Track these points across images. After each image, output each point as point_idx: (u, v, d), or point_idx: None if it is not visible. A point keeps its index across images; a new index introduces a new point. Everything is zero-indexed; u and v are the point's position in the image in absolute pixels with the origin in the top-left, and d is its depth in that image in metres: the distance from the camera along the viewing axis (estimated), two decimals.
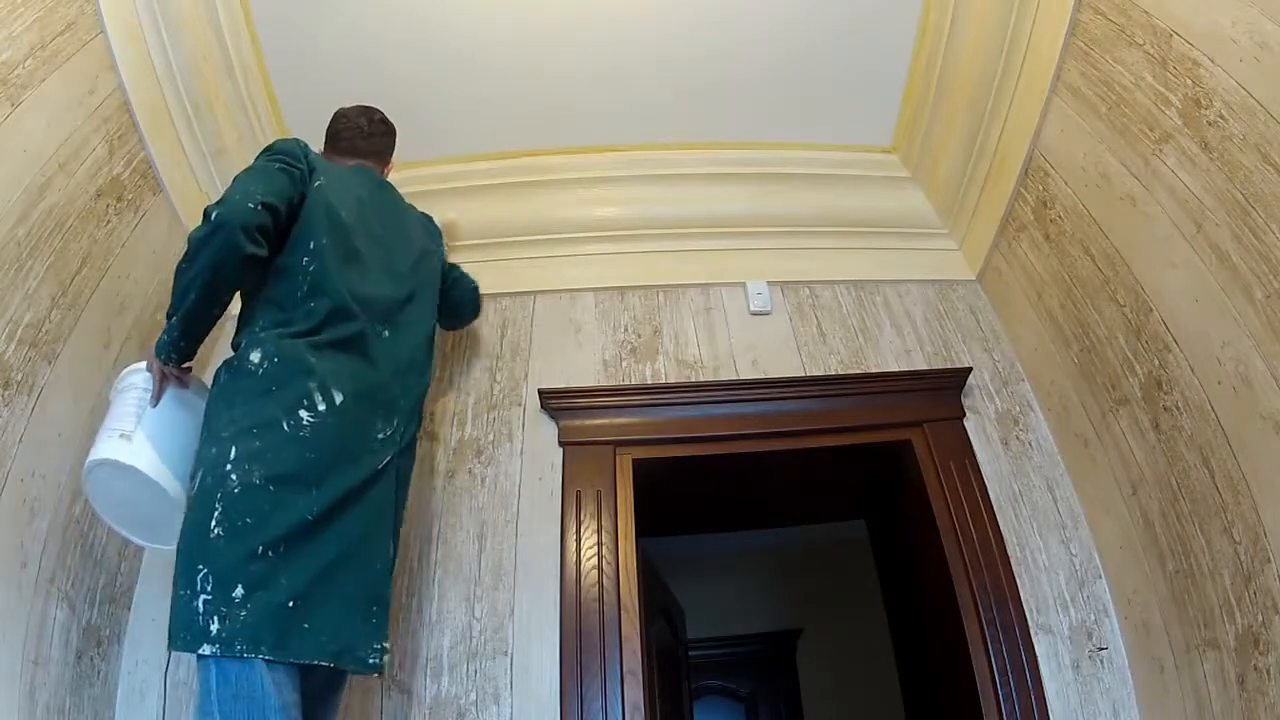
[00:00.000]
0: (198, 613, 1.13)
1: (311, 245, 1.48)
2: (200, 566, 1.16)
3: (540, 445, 2.11)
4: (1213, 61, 1.50)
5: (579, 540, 1.94)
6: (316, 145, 1.99)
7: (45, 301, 1.64)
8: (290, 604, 1.17)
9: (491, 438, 2.13)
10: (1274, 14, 1.37)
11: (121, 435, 1.39)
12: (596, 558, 1.91)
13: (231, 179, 1.48)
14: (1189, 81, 1.56)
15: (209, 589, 1.14)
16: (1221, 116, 1.49)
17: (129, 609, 1.88)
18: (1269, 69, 1.38)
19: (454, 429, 2.15)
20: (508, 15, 2.18)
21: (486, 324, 2.36)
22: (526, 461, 2.08)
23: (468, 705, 1.75)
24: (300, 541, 1.22)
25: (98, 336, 1.82)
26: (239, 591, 1.14)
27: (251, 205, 1.37)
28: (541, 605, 1.86)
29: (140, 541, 1.53)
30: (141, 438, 1.39)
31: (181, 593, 1.17)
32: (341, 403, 1.35)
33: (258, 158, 1.58)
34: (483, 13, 2.18)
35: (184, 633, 1.15)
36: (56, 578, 1.62)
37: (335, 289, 1.45)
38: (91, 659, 1.71)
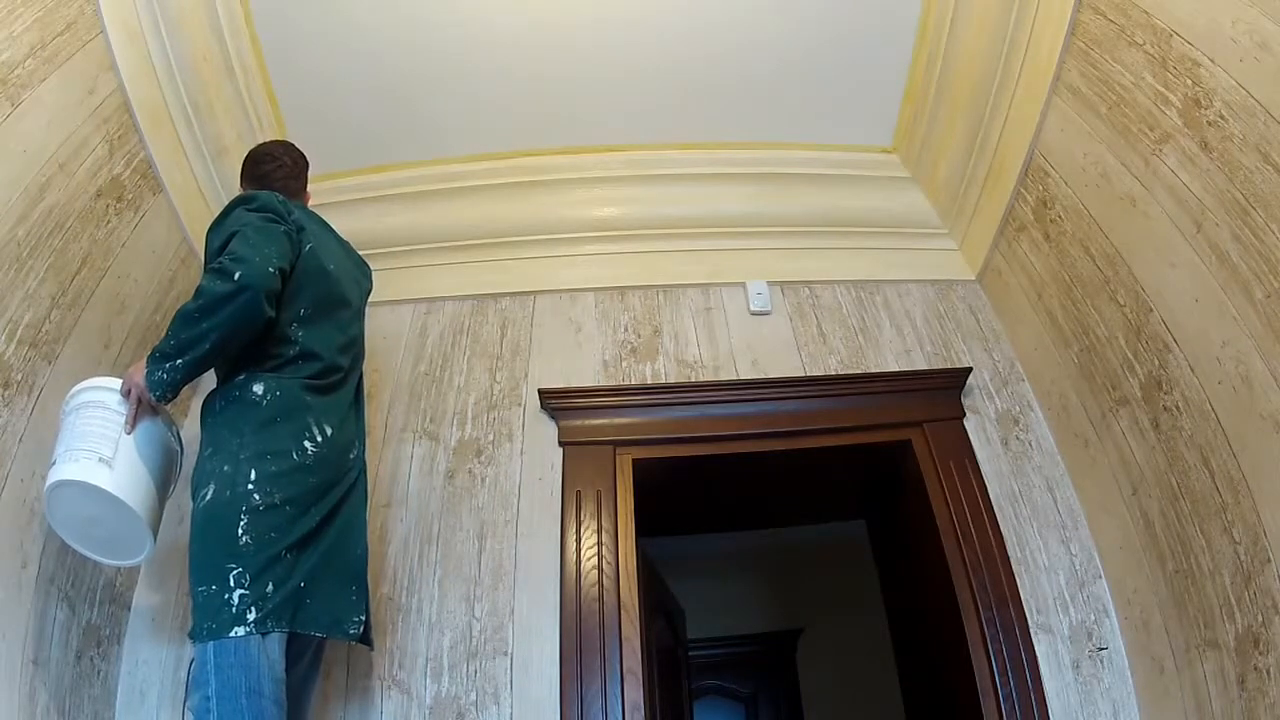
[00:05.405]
0: (231, 604, 1.32)
1: (301, 312, 1.58)
2: (232, 566, 1.35)
3: (540, 445, 2.11)
4: (1213, 61, 1.50)
5: (579, 540, 1.94)
6: (317, 145, 2.00)
7: (45, 301, 1.64)
8: (301, 585, 1.41)
9: (491, 438, 2.13)
10: (1274, 14, 1.37)
11: (100, 460, 1.40)
12: (596, 558, 1.91)
13: (233, 235, 1.48)
14: (1189, 81, 1.56)
15: (246, 585, 1.34)
16: (1221, 116, 1.49)
17: (129, 609, 1.88)
18: (1269, 69, 1.38)
19: (454, 429, 2.15)
20: (508, 15, 2.18)
21: (486, 324, 2.36)
22: (526, 461, 2.08)
23: (468, 705, 1.75)
24: (306, 544, 1.46)
25: (98, 336, 1.82)
26: (270, 587, 1.36)
27: (272, 270, 1.45)
28: (541, 605, 1.86)
29: (95, 557, 1.54)
30: (121, 465, 1.42)
31: (203, 589, 1.34)
32: (331, 435, 1.56)
33: (241, 209, 1.56)
34: (483, 13, 2.18)
35: (210, 623, 1.31)
36: (56, 578, 1.62)
37: (322, 353, 1.60)
38: (91, 659, 1.71)
